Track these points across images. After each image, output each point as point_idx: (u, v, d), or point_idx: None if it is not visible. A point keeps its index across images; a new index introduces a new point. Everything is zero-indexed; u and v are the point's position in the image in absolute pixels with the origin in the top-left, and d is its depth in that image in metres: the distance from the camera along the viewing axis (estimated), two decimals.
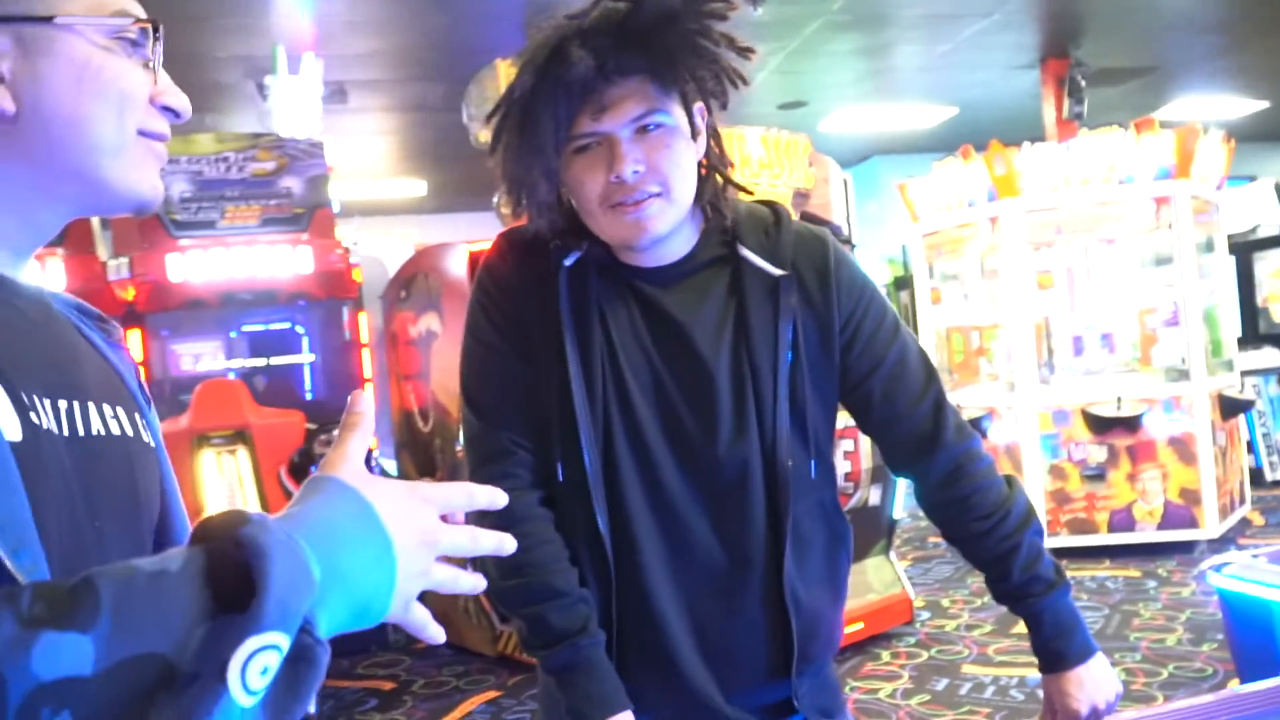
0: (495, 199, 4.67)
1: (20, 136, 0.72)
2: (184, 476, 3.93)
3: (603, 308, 1.24)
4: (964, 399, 5.83)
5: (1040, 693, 1.33)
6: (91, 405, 0.77)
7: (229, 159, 4.69)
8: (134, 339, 4.34)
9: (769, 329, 1.22)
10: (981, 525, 1.28)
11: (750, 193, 1.32)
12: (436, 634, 0.72)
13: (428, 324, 4.64)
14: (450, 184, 9.30)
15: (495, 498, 0.75)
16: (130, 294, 4.46)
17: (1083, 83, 7.00)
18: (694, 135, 1.19)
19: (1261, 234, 7.70)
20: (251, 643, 0.55)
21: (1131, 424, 5.34)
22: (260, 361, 4.97)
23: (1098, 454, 5.39)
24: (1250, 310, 7.79)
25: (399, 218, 10.24)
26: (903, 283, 9.05)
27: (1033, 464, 5.43)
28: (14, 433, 0.66)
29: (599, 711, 1.18)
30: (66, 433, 0.72)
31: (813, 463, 1.25)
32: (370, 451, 4.72)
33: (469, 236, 4.72)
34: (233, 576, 0.56)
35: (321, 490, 0.65)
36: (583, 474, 1.21)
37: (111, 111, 0.74)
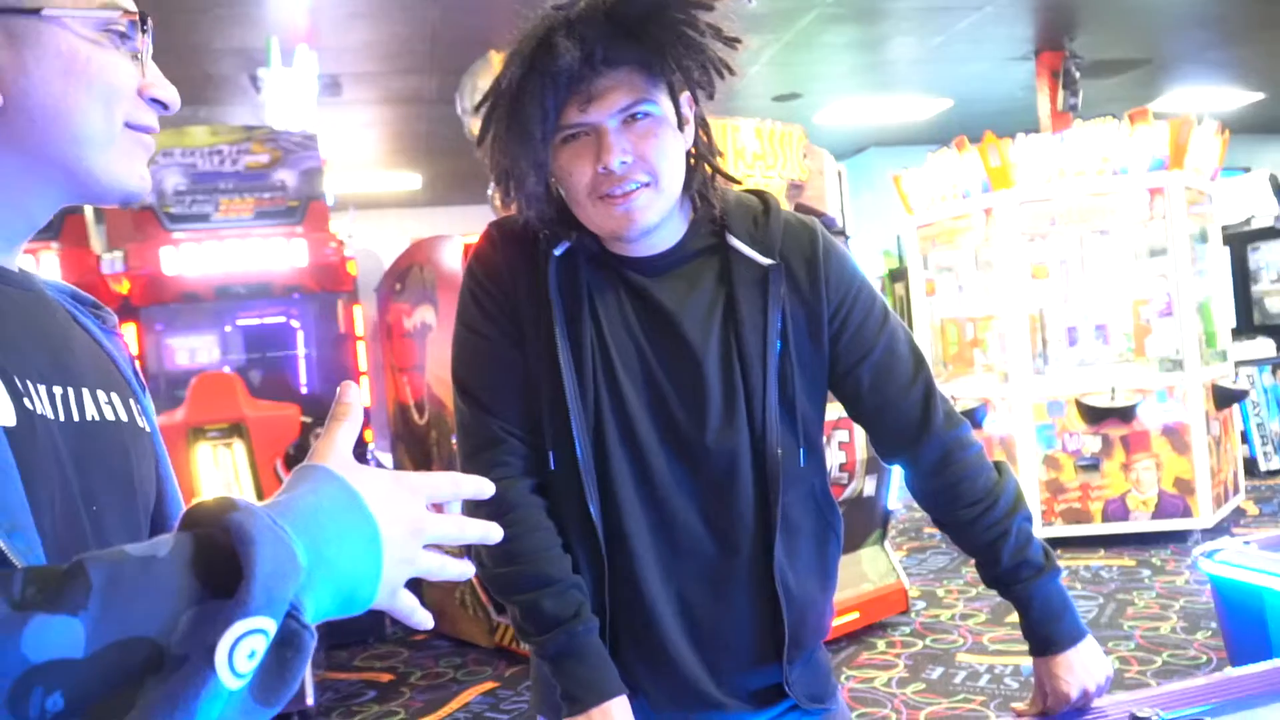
0: (490, 191, 4.68)
1: (8, 127, 0.72)
2: (180, 470, 3.92)
3: (593, 297, 1.24)
4: (958, 390, 5.84)
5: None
6: (86, 391, 0.77)
7: (223, 152, 4.68)
8: (129, 333, 4.33)
9: (758, 318, 1.23)
10: (971, 512, 1.29)
11: (738, 182, 1.32)
12: (424, 619, 0.72)
13: (423, 316, 4.64)
14: (445, 177, 9.29)
15: (482, 487, 0.76)
16: (125, 287, 4.46)
17: (1077, 74, 7.01)
18: (681, 125, 1.19)
19: (1256, 225, 7.73)
20: (239, 627, 0.55)
21: (1126, 414, 5.35)
22: (255, 355, 4.97)
23: (1092, 444, 5.41)
24: (1245, 301, 7.82)
25: (394, 210, 10.23)
26: (898, 274, 9.07)
27: (1027, 454, 5.45)
28: (8, 418, 0.67)
29: (593, 697, 1.18)
30: (61, 418, 0.73)
31: (802, 451, 1.25)
32: (366, 444, 4.73)
33: (464, 229, 4.72)
34: (220, 562, 0.57)
35: (309, 478, 0.66)
36: (574, 462, 1.21)
37: (99, 104, 0.75)
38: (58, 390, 0.74)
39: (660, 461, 1.23)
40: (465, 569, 0.74)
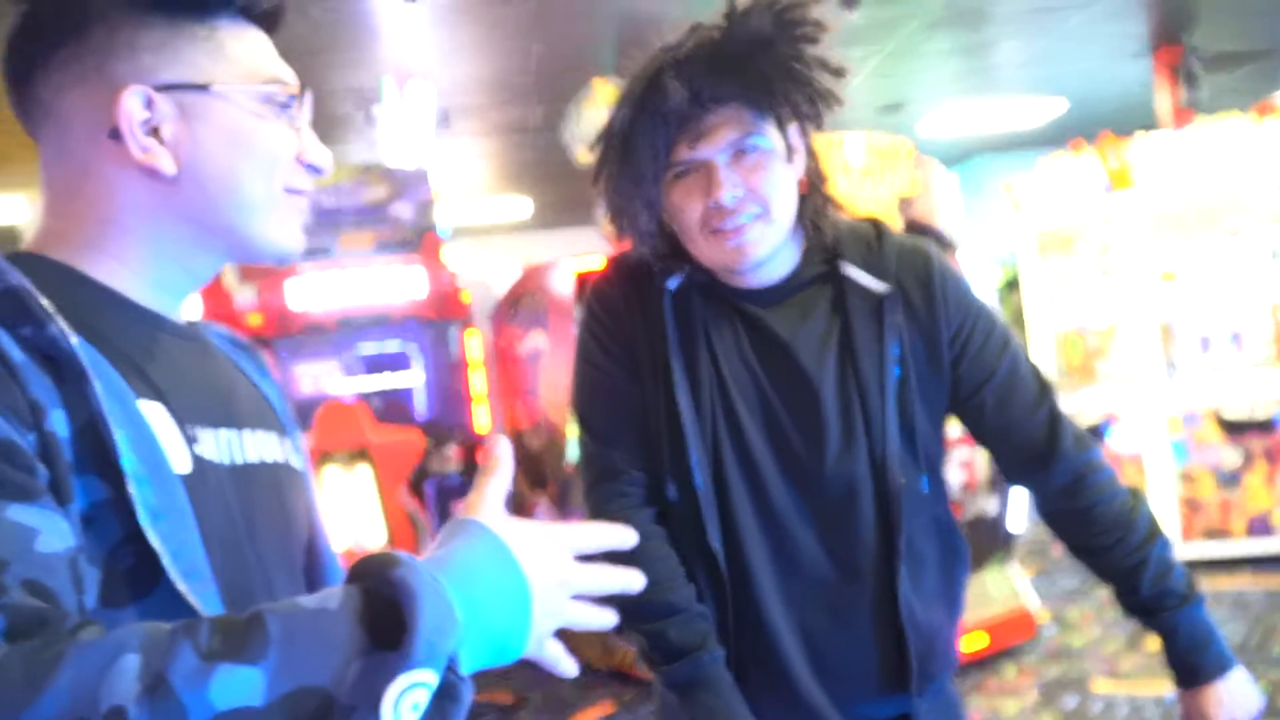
0: (598, 213, 4.75)
1: (180, 195, 0.78)
2: None
3: (707, 328, 1.25)
4: (1081, 404, 5.63)
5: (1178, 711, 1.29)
6: (247, 433, 0.82)
7: (343, 188, 4.88)
8: None
9: (874, 346, 1.22)
10: (1106, 539, 1.25)
11: (850, 210, 1.32)
12: (569, 668, 0.74)
13: (535, 342, 4.73)
14: (551, 202, 9.45)
15: (626, 537, 0.77)
16: (256, 320, 4.68)
17: (1199, 69, 6.70)
18: (791, 156, 1.19)
19: None
20: (403, 679, 0.58)
21: (1266, 425, 5.07)
22: (375, 381, 5.14)
23: (1232, 458, 5.14)
24: None
25: (505, 236, 10.46)
26: (1015, 284, 8.81)
27: (1159, 470, 5.21)
28: (184, 465, 0.72)
29: None
30: (226, 461, 0.78)
31: (924, 478, 1.24)
32: (478, 466, 4.84)
33: (572, 251, 4.80)
34: (385, 615, 0.59)
35: (463, 533, 0.68)
36: (693, 492, 1.23)
37: (261, 172, 0.80)
38: (223, 434, 0.79)
39: (779, 490, 1.23)
40: (609, 618, 0.76)
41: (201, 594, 0.68)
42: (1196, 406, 5.22)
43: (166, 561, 0.66)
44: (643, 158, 1.17)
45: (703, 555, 1.24)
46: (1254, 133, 5.14)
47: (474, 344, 5.01)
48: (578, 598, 0.72)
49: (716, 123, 1.15)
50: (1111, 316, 5.76)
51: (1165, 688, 2.86)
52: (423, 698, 0.59)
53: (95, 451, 0.66)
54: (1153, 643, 1.24)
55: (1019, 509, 4.26)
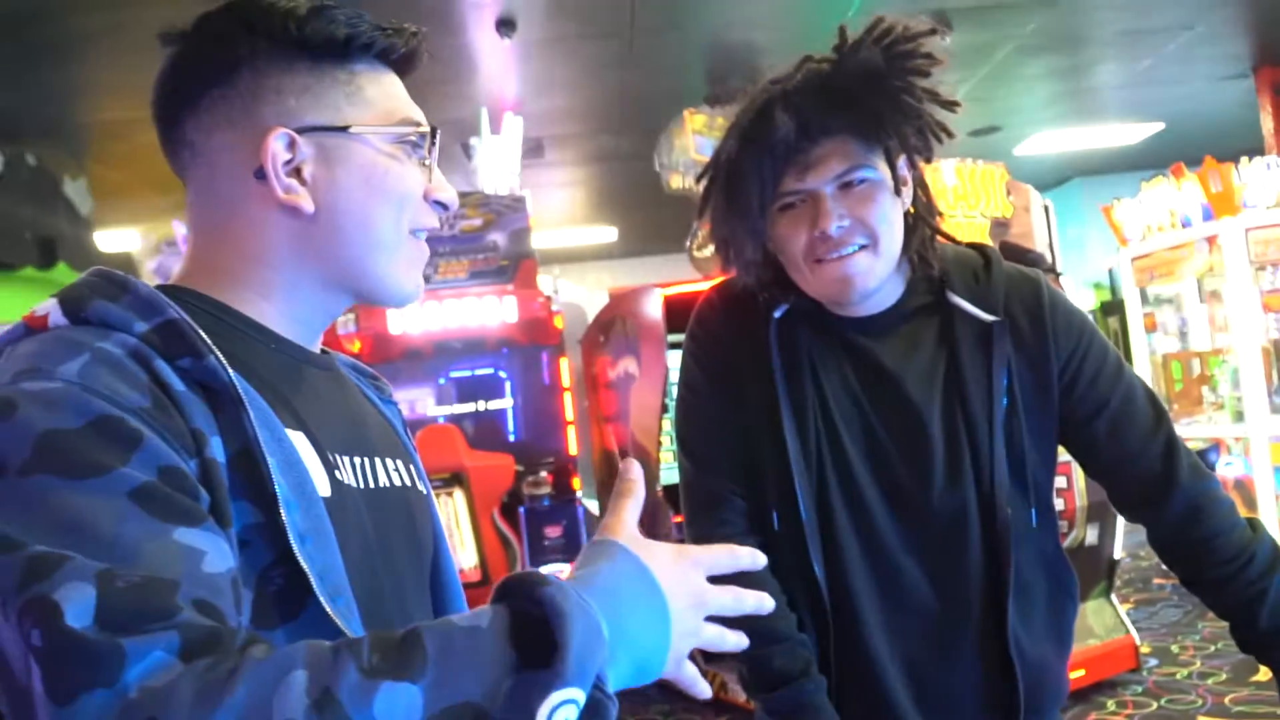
0: (687, 243, 4.79)
1: (317, 233, 0.81)
2: None
3: (813, 357, 1.26)
4: (1186, 431, 5.44)
5: None
6: (378, 459, 0.87)
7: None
8: None
9: (982, 376, 1.22)
10: (1224, 570, 1.22)
11: (957, 240, 1.32)
12: (704, 690, 0.75)
13: (626, 367, 4.78)
14: (639, 229, 9.54)
15: (756, 559, 0.79)
16: (357, 346, 4.83)
17: None
18: (898, 188, 1.19)
19: None
20: (555, 696, 0.59)
21: None
22: (468, 406, 5.24)
23: None
24: None
25: (593, 263, 10.58)
26: (1110, 308, 8.56)
27: (1269, 497, 5.00)
28: (325, 489, 0.75)
29: None
30: (361, 486, 0.82)
31: (1033, 511, 1.23)
32: (574, 492, 4.89)
33: (658, 279, 4.84)
34: (535, 634, 0.61)
35: (605, 555, 0.70)
36: (798, 521, 1.23)
37: (392, 211, 0.83)
38: (357, 460, 0.83)
39: (885, 521, 1.22)
40: (741, 640, 0.77)
41: (346, 615, 0.70)
42: None
43: (314, 583, 0.68)
44: (750, 188, 1.18)
45: (806, 584, 1.24)
46: None
47: (566, 369, 5.08)
48: (709, 619, 0.74)
49: (824, 154, 1.16)
50: (1216, 341, 5.58)
51: None
52: (572, 715, 0.60)
53: (248, 478, 0.69)
54: (1259, 676, 1.21)
55: (1119, 536, 4.14)
